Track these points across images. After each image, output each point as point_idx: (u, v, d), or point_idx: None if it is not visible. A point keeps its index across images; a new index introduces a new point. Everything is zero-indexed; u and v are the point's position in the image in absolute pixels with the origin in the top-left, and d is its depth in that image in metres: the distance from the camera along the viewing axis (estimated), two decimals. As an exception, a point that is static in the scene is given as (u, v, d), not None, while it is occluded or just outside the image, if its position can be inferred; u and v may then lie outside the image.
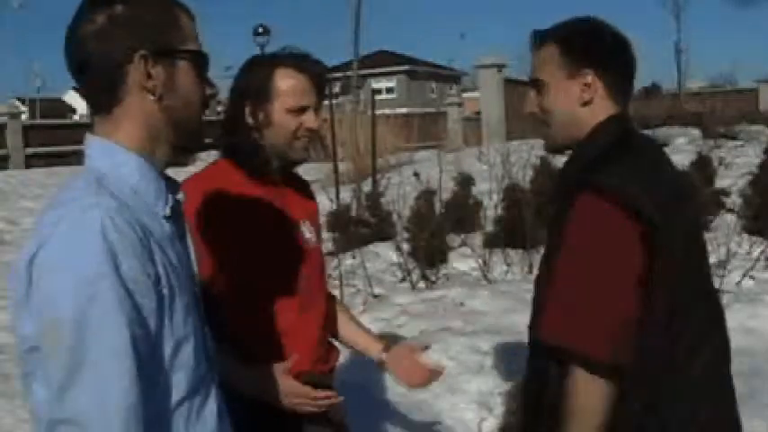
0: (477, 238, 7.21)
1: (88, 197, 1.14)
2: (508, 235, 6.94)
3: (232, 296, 1.93)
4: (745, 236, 6.70)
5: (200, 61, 1.28)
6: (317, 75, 2.05)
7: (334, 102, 11.86)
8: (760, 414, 3.58)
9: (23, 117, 29.01)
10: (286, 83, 2.00)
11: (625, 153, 1.69)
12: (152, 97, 1.23)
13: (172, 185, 1.31)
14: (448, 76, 50.21)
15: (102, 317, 1.08)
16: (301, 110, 2.01)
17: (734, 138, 15.00)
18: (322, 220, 8.73)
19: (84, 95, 1.27)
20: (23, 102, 42.51)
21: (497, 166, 7.81)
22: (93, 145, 1.24)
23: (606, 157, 1.67)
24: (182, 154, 1.32)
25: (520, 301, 5.45)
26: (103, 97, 1.24)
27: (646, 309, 1.59)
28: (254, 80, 2.01)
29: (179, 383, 1.19)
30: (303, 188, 2.23)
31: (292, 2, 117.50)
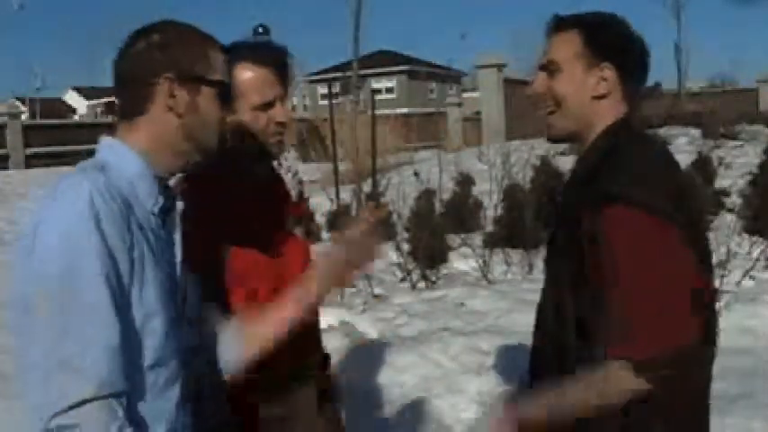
0: (477, 238, 7.22)
1: (82, 174, 1.33)
2: (508, 235, 6.95)
3: (231, 297, 1.90)
4: (745, 236, 6.71)
5: (221, 90, 1.49)
6: (279, 63, 1.95)
7: (334, 102, 11.85)
8: (760, 414, 3.58)
9: (23, 117, 29.02)
10: (247, 79, 1.90)
11: (642, 159, 1.67)
12: (172, 114, 1.44)
13: (170, 192, 1.49)
14: (448, 76, 50.17)
15: (87, 269, 1.25)
16: (268, 105, 1.92)
17: (734, 138, 15.01)
18: (322, 220, 8.72)
19: (118, 105, 1.47)
20: (23, 102, 42.48)
21: (497, 166, 7.82)
22: (104, 142, 1.45)
23: (618, 164, 1.64)
24: (194, 166, 1.52)
25: (520, 301, 5.45)
26: (131, 107, 1.45)
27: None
28: None
29: (147, 351, 1.34)
30: (280, 182, 2.16)
31: (292, 2, 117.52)
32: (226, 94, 1.51)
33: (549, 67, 1.76)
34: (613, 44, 1.73)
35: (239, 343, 1.67)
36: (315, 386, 2.06)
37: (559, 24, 1.79)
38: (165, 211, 1.45)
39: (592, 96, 1.73)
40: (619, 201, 1.57)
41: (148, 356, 1.34)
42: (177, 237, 1.49)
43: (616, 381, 1.57)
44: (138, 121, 1.44)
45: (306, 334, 2.05)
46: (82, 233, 1.26)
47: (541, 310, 1.85)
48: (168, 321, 1.38)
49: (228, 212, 1.88)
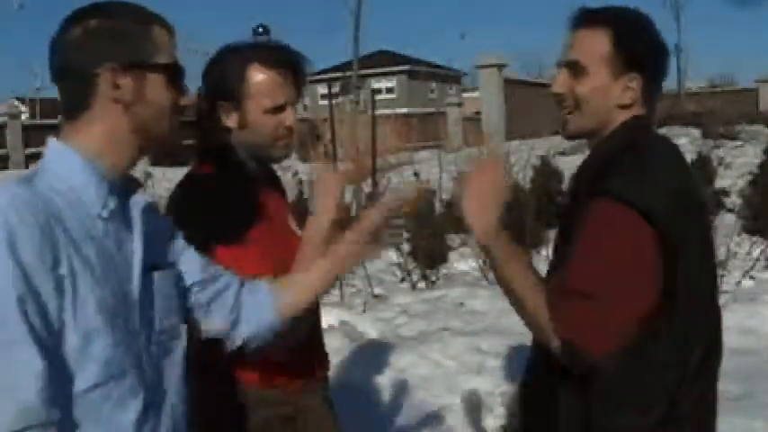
0: (477, 239, 7.20)
1: (4, 188, 1.23)
2: (508, 235, 6.94)
3: None
4: (745, 236, 6.71)
5: (171, 73, 1.37)
6: (293, 67, 1.91)
7: (334, 102, 11.85)
8: (760, 414, 3.58)
9: (23, 117, 29.01)
10: (260, 81, 1.86)
11: (639, 155, 1.64)
12: (119, 106, 1.32)
13: (127, 190, 1.38)
14: (448, 76, 50.17)
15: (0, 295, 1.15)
16: (279, 108, 1.89)
17: (734, 138, 15.02)
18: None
19: (60, 101, 1.36)
20: (23, 102, 42.47)
21: (497, 166, 7.80)
22: (49, 146, 1.34)
23: (620, 160, 1.62)
24: (150, 156, 1.41)
25: (520, 301, 5.45)
26: (74, 104, 1.33)
27: (665, 320, 1.57)
28: (224, 78, 1.88)
29: (89, 372, 1.24)
30: (277, 182, 2.14)
31: (292, 2, 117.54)
32: (175, 75, 1.38)
33: (572, 68, 1.70)
34: (643, 53, 1.68)
35: (283, 296, 1.63)
36: (321, 387, 2.06)
37: (587, 19, 1.71)
38: (121, 212, 1.35)
39: (616, 105, 1.68)
40: (608, 195, 1.55)
41: (92, 377, 1.24)
42: (136, 238, 1.36)
43: (546, 325, 1.58)
44: (82, 119, 1.33)
45: (312, 338, 2.06)
46: None
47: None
48: (118, 336, 1.27)
49: (227, 213, 1.85)
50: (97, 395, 1.25)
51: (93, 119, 1.32)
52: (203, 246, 1.77)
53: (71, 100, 1.34)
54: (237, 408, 1.91)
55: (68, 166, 1.31)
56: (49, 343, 1.19)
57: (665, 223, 1.53)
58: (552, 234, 7.15)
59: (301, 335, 1.85)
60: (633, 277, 1.55)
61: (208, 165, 1.94)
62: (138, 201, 1.38)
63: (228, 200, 1.85)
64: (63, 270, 1.21)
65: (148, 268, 1.38)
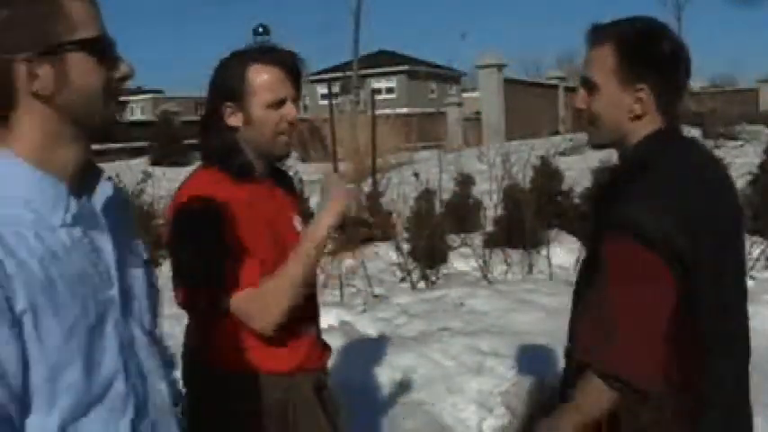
0: (477, 238, 7.21)
1: None
2: (508, 235, 6.94)
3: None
4: (745, 236, 6.70)
5: (96, 48, 1.19)
6: (290, 65, 2.03)
7: (334, 102, 11.85)
8: (760, 413, 3.58)
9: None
10: (260, 78, 1.99)
11: (651, 179, 1.68)
12: (41, 100, 1.16)
13: (87, 184, 1.24)
14: (448, 76, 50.14)
15: None
16: (280, 103, 2.00)
17: (734, 138, 15.00)
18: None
19: None
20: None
21: (497, 166, 7.81)
22: None
23: (632, 185, 1.68)
24: (97, 142, 1.26)
25: (520, 301, 5.45)
26: None
27: (689, 335, 1.65)
28: (227, 80, 2.00)
29: (63, 407, 1.12)
30: (286, 181, 2.25)
31: (292, 2, 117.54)
32: (102, 49, 1.20)
33: (587, 85, 1.78)
34: (649, 62, 1.71)
35: None
36: (313, 374, 2.11)
37: (595, 36, 1.78)
38: (88, 210, 1.21)
39: (629, 117, 1.74)
40: (622, 229, 1.62)
41: (66, 410, 1.12)
42: (106, 236, 1.23)
43: (591, 391, 1.65)
44: (11, 121, 1.16)
45: (301, 326, 2.09)
46: None
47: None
48: (96, 355, 1.16)
49: (225, 224, 1.90)
50: (78, 427, 1.14)
51: (20, 119, 1.16)
52: (200, 255, 1.89)
53: None
54: (223, 394, 1.97)
55: (13, 175, 1.15)
56: (7, 398, 1.06)
57: (675, 248, 1.60)
58: (552, 234, 7.13)
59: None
60: (655, 304, 1.62)
61: (212, 167, 2.03)
62: (102, 192, 1.25)
63: (227, 210, 1.91)
64: (20, 306, 1.07)
65: (126, 266, 1.27)
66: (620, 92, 1.73)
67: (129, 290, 1.27)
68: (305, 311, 2.04)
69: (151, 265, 1.40)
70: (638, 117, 1.73)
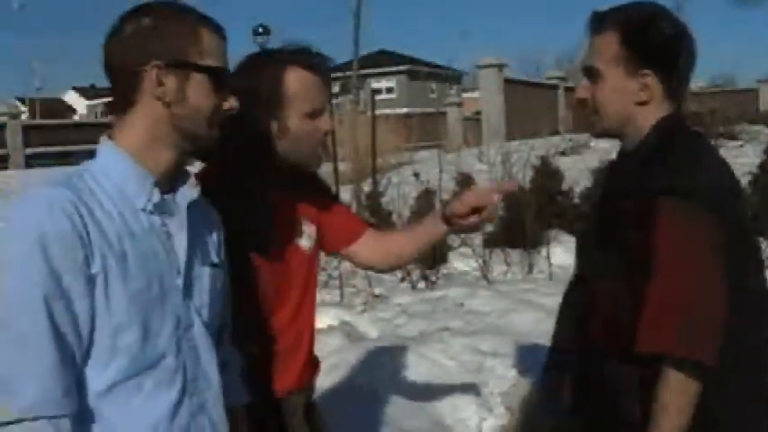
0: (476, 238, 7.21)
1: (44, 188, 1.29)
2: (508, 235, 6.94)
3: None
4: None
5: (215, 77, 1.38)
6: (326, 71, 1.87)
7: (334, 102, 11.84)
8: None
9: (23, 117, 29.01)
10: (300, 86, 1.80)
11: (688, 152, 1.64)
12: (161, 104, 1.35)
13: (177, 185, 1.42)
14: (448, 76, 50.10)
15: (22, 296, 1.22)
16: (316, 113, 1.83)
17: (734, 138, 15.00)
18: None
19: (112, 97, 1.41)
20: (23, 102, 42.50)
21: (497, 166, 7.82)
22: (100, 142, 1.40)
23: (672, 158, 1.62)
24: (189, 158, 1.47)
25: (520, 301, 5.45)
26: (120, 99, 1.38)
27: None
28: (262, 84, 1.78)
29: (117, 367, 1.30)
30: (312, 186, 2.00)
31: (292, 1, 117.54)
32: (220, 79, 1.40)
33: (590, 73, 1.73)
34: (654, 47, 1.67)
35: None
36: (303, 394, 2.00)
37: (597, 23, 1.73)
38: (170, 206, 1.39)
39: (634, 103, 1.69)
40: (676, 193, 1.55)
41: (122, 370, 1.30)
42: (183, 232, 1.41)
43: (676, 388, 1.56)
44: (128, 115, 1.37)
45: (296, 345, 1.97)
46: (23, 258, 1.22)
47: (589, 303, 1.78)
48: (155, 328, 1.33)
49: (234, 221, 1.72)
50: (128, 387, 1.31)
51: (136, 115, 1.36)
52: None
53: (118, 96, 1.38)
54: None
55: (114, 163, 1.36)
56: (74, 341, 1.25)
57: (725, 215, 1.57)
58: (552, 234, 7.11)
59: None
60: (717, 275, 1.56)
61: (224, 170, 1.79)
62: (186, 195, 1.42)
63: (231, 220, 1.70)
64: (95, 269, 1.27)
65: (197, 262, 1.44)
66: (625, 79, 1.68)
67: (194, 283, 1.43)
68: (300, 331, 1.95)
69: (221, 269, 1.54)
70: (643, 103, 1.69)
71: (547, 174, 7.68)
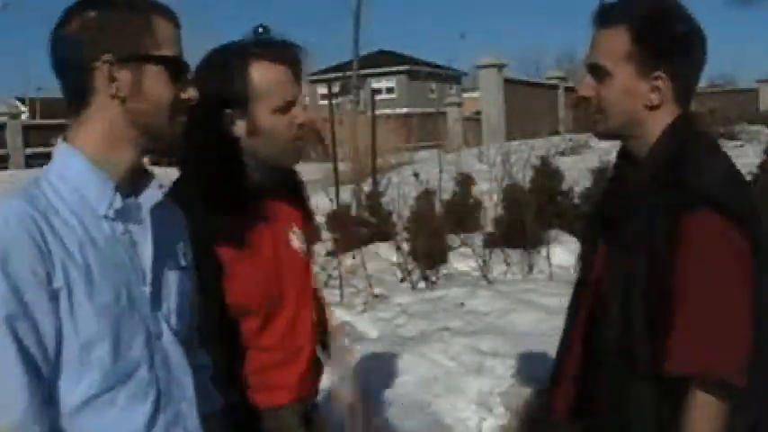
0: (477, 238, 7.21)
1: (3, 200, 1.22)
2: (508, 235, 6.94)
3: (223, 325, 1.74)
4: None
5: (172, 67, 1.30)
6: (295, 61, 1.76)
7: (334, 102, 11.84)
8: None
9: (23, 117, 29.02)
10: (267, 80, 1.71)
11: (722, 162, 1.57)
12: (116, 101, 1.27)
13: (139, 186, 1.34)
14: (448, 76, 50.10)
15: None
16: (288, 106, 1.74)
17: (734, 138, 14.99)
18: (322, 220, 8.69)
19: (63, 98, 1.33)
20: (23, 102, 42.47)
21: (497, 166, 7.82)
22: (58, 147, 1.32)
23: (699, 167, 1.53)
24: (152, 155, 1.40)
25: (520, 301, 5.45)
26: (73, 99, 1.29)
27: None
28: (227, 82, 1.70)
29: (89, 382, 1.24)
30: (294, 190, 1.96)
31: (292, 1, 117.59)
32: (177, 69, 1.31)
33: (596, 71, 1.61)
34: (668, 47, 1.56)
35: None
36: (305, 402, 1.95)
37: (606, 16, 1.60)
38: (133, 209, 1.31)
39: (644, 106, 1.59)
40: (708, 206, 1.47)
41: (94, 385, 1.24)
42: (148, 236, 1.32)
43: (706, 413, 1.48)
44: (83, 115, 1.29)
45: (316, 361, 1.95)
46: None
47: (596, 310, 1.70)
48: (125, 338, 1.26)
49: (218, 231, 1.70)
50: (101, 402, 1.25)
51: (92, 115, 1.28)
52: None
53: (71, 96, 1.30)
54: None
55: (71, 166, 1.28)
56: (41, 359, 1.19)
57: (753, 228, 1.50)
58: (552, 234, 7.09)
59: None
60: (746, 293, 1.49)
61: (195, 182, 1.75)
62: (149, 197, 1.34)
63: (202, 232, 1.63)
64: (58, 283, 1.19)
65: (163, 268, 1.36)
66: (635, 79, 1.57)
67: (162, 290, 1.36)
68: (300, 343, 1.88)
69: (189, 270, 1.46)
70: (653, 107, 1.58)
71: (547, 174, 7.68)
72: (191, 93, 1.35)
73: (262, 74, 1.72)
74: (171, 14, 1.32)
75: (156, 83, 1.29)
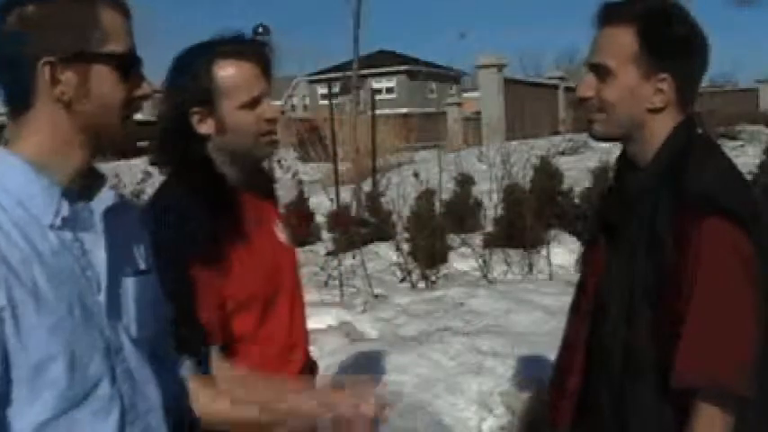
0: (477, 238, 7.22)
1: None
2: (508, 235, 6.95)
3: (223, 322, 1.72)
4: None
5: (122, 64, 1.19)
6: (261, 57, 1.79)
7: (334, 102, 11.84)
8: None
9: None
10: (230, 76, 1.73)
11: (725, 167, 1.55)
12: (60, 104, 1.17)
13: (89, 191, 1.24)
14: (448, 76, 50.08)
15: None
16: (255, 102, 1.75)
17: (734, 138, 15.00)
18: (322, 220, 8.72)
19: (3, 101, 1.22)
20: (23, 102, 42.36)
21: (497, 166, 7.82)
22: None
23: (705, 173, 1.51)
24: (102, 157, 1.27)
25: (520, 301, 5.45)
26: (14, 102, 1.18)
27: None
28: (193, 81, 1.73)
29: (44, 404, 1.13)
30: (267, 184, 1.99)
31: (292, 1, 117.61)
32: (128, 65, 1.20)
33: (598, 71, 1.58)
34: (674, 49, 1.54)
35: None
36: None
37: (612, 15, 1.57)
38: (83, 216, 1.21)
39: (647, 109, 1.56)
40: (718, 213, 1.45)
41: (49, 407, 1.13)
42: (101, 243, 1.21)
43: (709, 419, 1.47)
44: (24, 120, 1.17)
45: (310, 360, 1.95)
46: None
47: (598, 312, 1.68)
48: (83, 356, 1.16)
49: (206, 228, 1.69)
50: (61, 425, 1.15)
51: (35, 119, 1.17)
52: (177, 277, 1.60)
53: (11, 99, 1.18)
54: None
55: (10, 174, 1.15)
56: None
57: (754, 229, 1.49)
58: (552, 234, 7.09)
59: None
60: (753, 304, 1.48)
61: (182, 182, 1.77)
62: (102, 201, 1.23)
63: (201, 231, 1.67)
64: (1, 303, 1.09)
65: (120, 274, 1.25)
66: (639, 81, 1.54)
67: (119, 298, 1.25)
68: (295, 338, 1.88)
69: (150, 275, 1.35)
70: (656, 110, 1.56)
71: (547, 174, 7.69)
72: (145, 89, 1.24)
73: (227, 71, 1.74)
74: (120, 4, 1.20)
75: (104, 83, 1.18)
